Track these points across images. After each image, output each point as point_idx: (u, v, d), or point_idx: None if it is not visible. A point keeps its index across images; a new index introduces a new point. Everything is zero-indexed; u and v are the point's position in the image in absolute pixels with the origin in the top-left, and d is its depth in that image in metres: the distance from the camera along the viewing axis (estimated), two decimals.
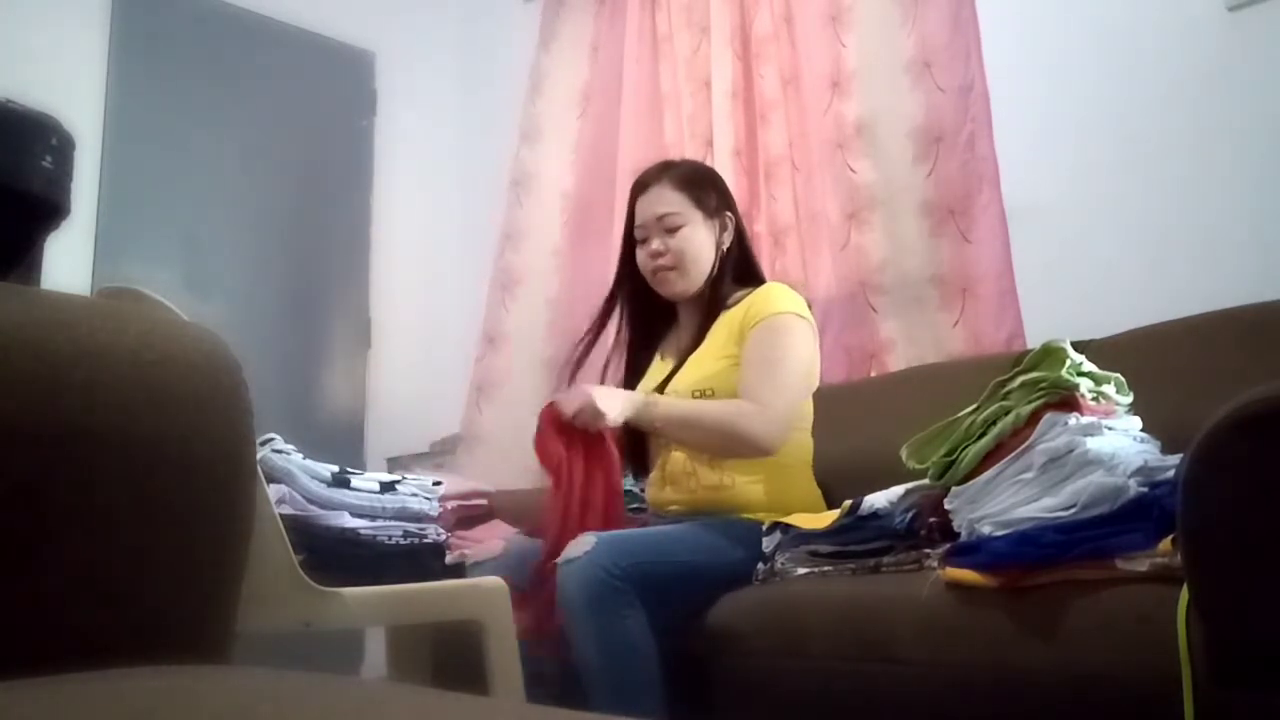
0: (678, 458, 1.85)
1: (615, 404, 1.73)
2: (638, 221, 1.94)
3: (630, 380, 2.01)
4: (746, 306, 1.87)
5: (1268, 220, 1.98)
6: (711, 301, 1.91)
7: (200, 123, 3.28)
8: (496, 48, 3.79)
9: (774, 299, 1.86)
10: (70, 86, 2.97)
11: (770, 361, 1.77)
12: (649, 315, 2.01)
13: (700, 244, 1.91)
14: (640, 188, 1.96)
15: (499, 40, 3.78)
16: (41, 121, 0.97)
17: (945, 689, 1.29)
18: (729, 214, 1.96)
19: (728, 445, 1.76)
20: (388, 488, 1.48)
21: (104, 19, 3.11)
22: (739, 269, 1.96)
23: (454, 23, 3.95)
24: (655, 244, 1.90)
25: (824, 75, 2.59)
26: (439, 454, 3.29)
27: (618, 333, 2.05)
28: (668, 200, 1.91)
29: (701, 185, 1.95)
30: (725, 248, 1.94)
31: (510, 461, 2.93)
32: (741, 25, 2.83)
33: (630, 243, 1.98)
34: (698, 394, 1.82)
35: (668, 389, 1.86)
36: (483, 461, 3.13)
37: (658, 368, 1.97)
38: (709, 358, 1.85)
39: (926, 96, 2.40)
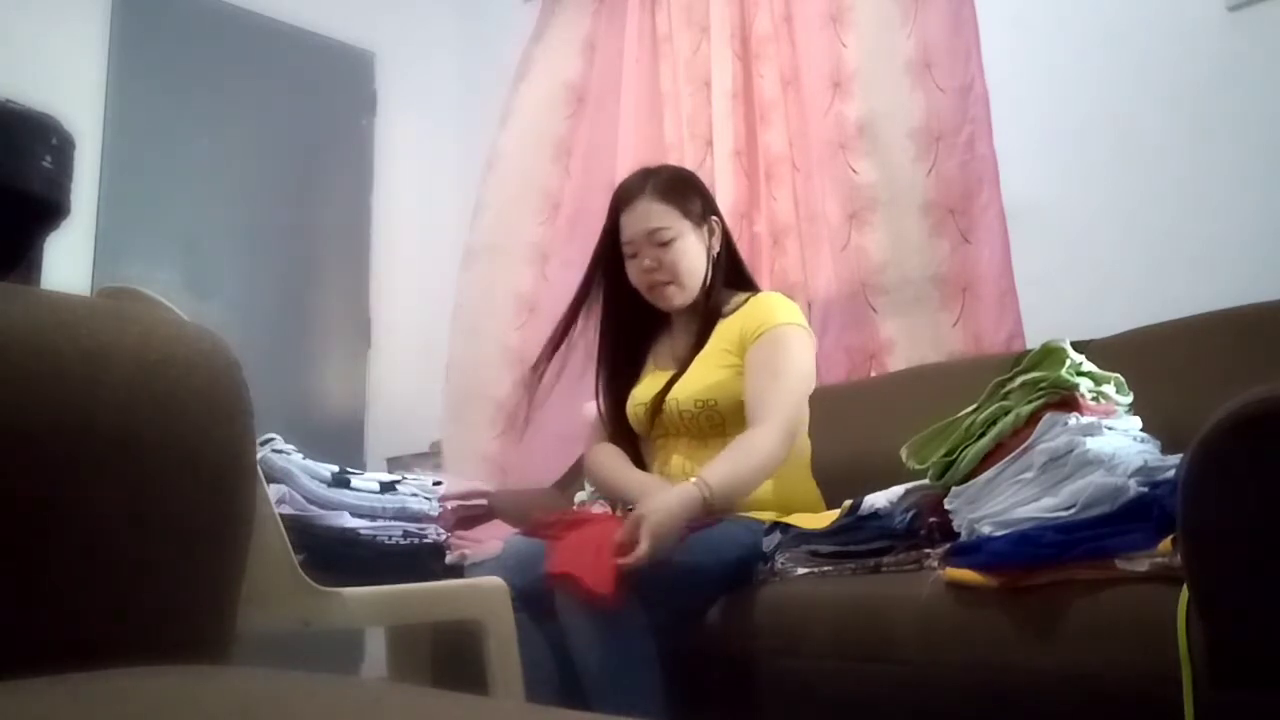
0: (677, 462, 1.84)
1: (669, 525, 1.56)
2: (625, 237, 1.89)
3: (613, 387, 1.97)
4: (744, 317, 1.86)
5: (1268, 220, 1.98)
6: (708, 309, 1.90)
7: (200, 122, 3.28)
8: (496, 48, 3.78)
9: (773, 309, 1.86)
10: (70, 86, 2.97)
11: (774, 373, 1.77)
12: (636, 324, 1.98)
13: (693, 255, 1.88)
14: (624, 201, 1.90)
15: (499, 40, 3.77)
16: (41, 121, 0.97)
17: (945, 689, 1.29)
18: (715, 218, 1.95)
19: (767, 478, 1.75)
20: (388, 488, 1.49)
21: (104, 19, 3.11)
22: (728, 272, 1.96)
23: (454, 23, 3.95)
24: (648, 260, 1.87)
25: (824, 75, 2.59)
26: (439, 454, 3.28)
27: (603, 338, 2.00)
28: (656, 214, 1.86)
29: (686, 193, 1.91)
30: (715, 253, 1.93)
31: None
32: (741, 25, 2.83)
33: (607, 250, 1.93)
34: (700, 404, 1.81)
35: (669, 397, 1.85)
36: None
37: (652, 376, 1.95)
38: (711, 366, 1.84)
39: (926, 97, 2.40)
